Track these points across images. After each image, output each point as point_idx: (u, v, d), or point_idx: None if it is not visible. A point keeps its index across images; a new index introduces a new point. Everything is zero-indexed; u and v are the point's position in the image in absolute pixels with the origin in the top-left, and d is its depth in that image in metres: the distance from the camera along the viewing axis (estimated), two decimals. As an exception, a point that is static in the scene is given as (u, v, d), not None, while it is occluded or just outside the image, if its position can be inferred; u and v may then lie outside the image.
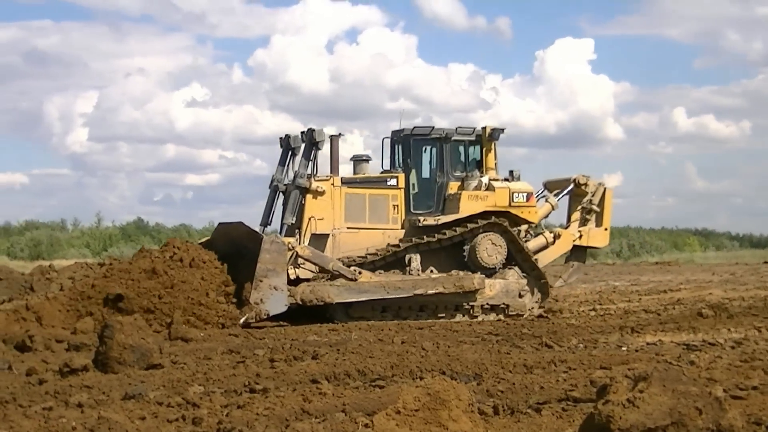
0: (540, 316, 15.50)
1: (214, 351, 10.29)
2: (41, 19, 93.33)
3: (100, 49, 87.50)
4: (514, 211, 15.75)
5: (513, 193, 15.82)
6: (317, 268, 14.77)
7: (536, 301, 15.84)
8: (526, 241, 16.23)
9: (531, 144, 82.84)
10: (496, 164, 16.29)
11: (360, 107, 78.68)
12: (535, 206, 16.22)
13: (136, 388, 7.59)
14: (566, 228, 17.16)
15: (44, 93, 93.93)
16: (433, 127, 16.13)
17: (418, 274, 15.09)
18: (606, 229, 17.33)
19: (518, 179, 16.24)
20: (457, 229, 15.34)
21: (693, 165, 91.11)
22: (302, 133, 15.60)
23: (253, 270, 13.60)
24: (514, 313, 15.52)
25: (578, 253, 17.24)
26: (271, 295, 13.69)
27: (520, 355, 10.00)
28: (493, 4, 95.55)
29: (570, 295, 19.71)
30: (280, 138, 15.89)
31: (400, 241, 15.48)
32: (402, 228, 15.78)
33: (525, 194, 15.97)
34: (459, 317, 15.15)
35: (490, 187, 15.78)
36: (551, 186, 17.51)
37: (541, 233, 16.92)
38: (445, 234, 15.29)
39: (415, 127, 16.23)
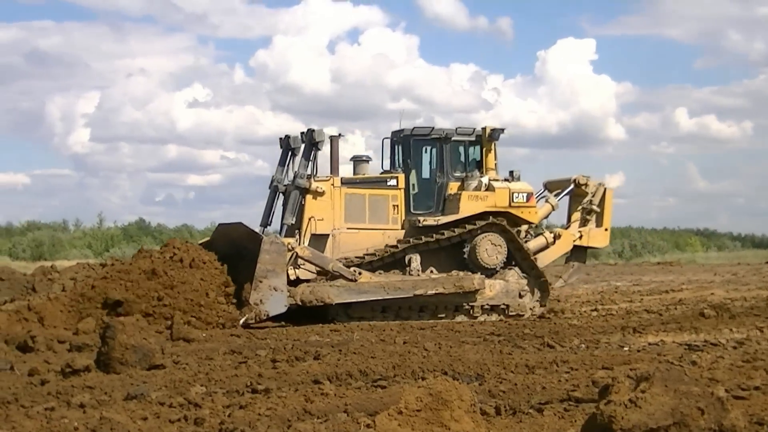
0: (542, 316, 15.50)
1: (216, 351, 10.29)
2: (42, 20, 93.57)
3: (102, 50, 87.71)
4: (514, 211, 15.76)
5: (513, 193, 15.83)
6: (317, 268, 14.77)
7: (537, 301, 15.84)
8: (526, 242, 16.23)
9: (533, 144, 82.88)
10: (496, 164, 16.29)
11: (361, 107, 78.86)
12: (535, 206, 16.22)
13: (138, 388, 7.59)
14: (566, 228, 17.17)
15: (46, 93, 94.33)
16: (433, 128, 16.12)
17: (418, 275, 15.09)
18: (606, 230, 17.34)
19: (518, 179, 16.24)
20: (457, 229, 15.33)
21: (695, 165, 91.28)
22: (302, 133, 15.58)
23: (252, 270, 13.61)
24: (514, 313, 15.52)
25: (578, 253, 17.24)
26: (271, 296, 13.69)
27: (522, 355, 10.00)
28: (494, 5, 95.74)
29: (572, 296, 19.71)
30: (280, 138, 15.87)
31: (400, 241, 15.47)
32: (402, 228, 15.76)
33: (525, 194, 15.97)
34: (459, 318, 15.15)
35: (490, 188, 15.78)
36: (551, 186, 17.51)
37: (542, 233, 16.93)
38: (444, 234, 15.29)
39: (414, 128, 16.22)
